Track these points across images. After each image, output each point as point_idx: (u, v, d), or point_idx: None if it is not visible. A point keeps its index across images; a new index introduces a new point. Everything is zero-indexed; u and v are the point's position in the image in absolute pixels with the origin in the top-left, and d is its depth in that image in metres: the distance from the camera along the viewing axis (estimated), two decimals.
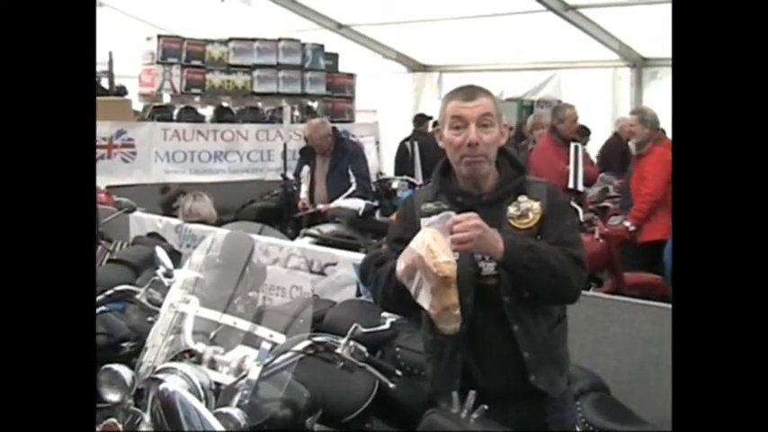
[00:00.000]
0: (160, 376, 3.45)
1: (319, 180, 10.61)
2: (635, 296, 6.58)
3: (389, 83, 17.15)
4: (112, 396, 3.55)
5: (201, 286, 4.03)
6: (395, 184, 12.58)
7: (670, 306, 5.64)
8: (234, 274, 4.11)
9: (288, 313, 4.10)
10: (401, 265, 3.32)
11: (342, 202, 10.06)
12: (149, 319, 4.20)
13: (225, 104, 14.55)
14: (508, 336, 3.45)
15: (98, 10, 7.44)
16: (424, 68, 17.36)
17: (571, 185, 9.21)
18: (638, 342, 5.21)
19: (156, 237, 8.43)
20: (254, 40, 14.41)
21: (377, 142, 15.07)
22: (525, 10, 13.19)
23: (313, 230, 9.54)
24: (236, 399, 3.46)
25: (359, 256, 6.69)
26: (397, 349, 4.97)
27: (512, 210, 3.52)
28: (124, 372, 3.69)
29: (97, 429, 3.48)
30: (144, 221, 9.19)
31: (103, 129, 12.27)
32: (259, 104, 14.75)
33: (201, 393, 3.42)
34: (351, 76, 15.43)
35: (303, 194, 10.91)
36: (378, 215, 10.69)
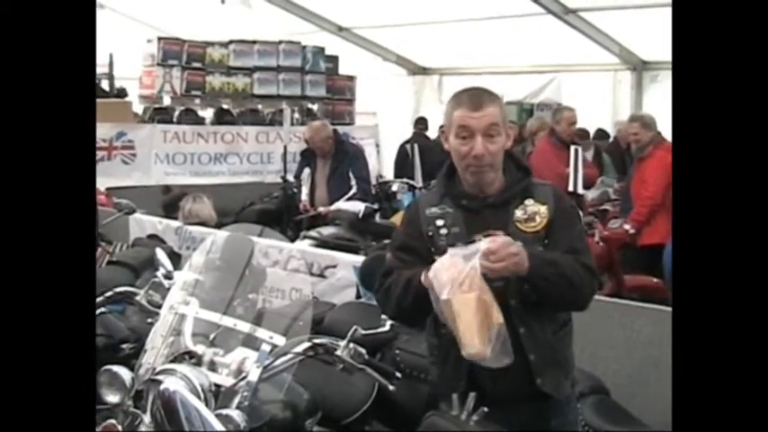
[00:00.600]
0: (160, 377, 3.46)
1: (320, 182, 10.61)
2: (634, 299, 6.59)
3: (390, 85, 17.16)
4: (112, 397, 3.56)
5: (201, 288, 4.03)
6: (395, 187, 12.56)
7: (670, 309, 5.66)
8: (234, 276, 4.11)
9: (288, 315, 4.11)
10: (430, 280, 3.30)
11: (342, 204, 10.07)
12: (149, 320, 4.21)
13: (225, 107, 14.53)
14: (514, 339, 3.40)
15: (98, 12, 7.45)
16: (424, 71, 17.37)
17: (571, 188, 9.21)
18: (637, 345, 5.21)
19: (155, 239, 8.43)
20: (254, 42, 14.40)
21: (377, 145, 15.07)
22: (526, 13, 13.22)
23: (313, 233, 9.55)
24: (236, 400, 3.46)
25: (359, 259, 6.70)
26: (397, 351, 4.97)
27: (518, 213, 3.52)
28: (124, 373, 3.69)
29: (97, 430, 3.48)
30: (144, 223, 9.19)
31: (103, 130, 12.26)
32: (259, 107, 14.74)
33: (201, 395, 3.42)
34: (351, 78, 15.42)
35: (304, 197, 10.91)
36: (378, 218, 10.69)
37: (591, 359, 5.03)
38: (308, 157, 11.00)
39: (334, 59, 15.23)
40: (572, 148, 9.52)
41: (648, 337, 5.16)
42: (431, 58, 16.97)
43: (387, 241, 10.02)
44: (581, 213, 8.01)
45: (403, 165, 14.92)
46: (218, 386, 3.53)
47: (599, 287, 3.98)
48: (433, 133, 16.05)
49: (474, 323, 3.21)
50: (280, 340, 3.63)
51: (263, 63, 14.37)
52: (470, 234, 3.48)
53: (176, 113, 14.06)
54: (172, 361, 3.63)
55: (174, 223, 8.66)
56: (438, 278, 3.26)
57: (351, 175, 10.39)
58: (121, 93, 14.54)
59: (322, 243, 8.90)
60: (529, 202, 3.54)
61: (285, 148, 12.87)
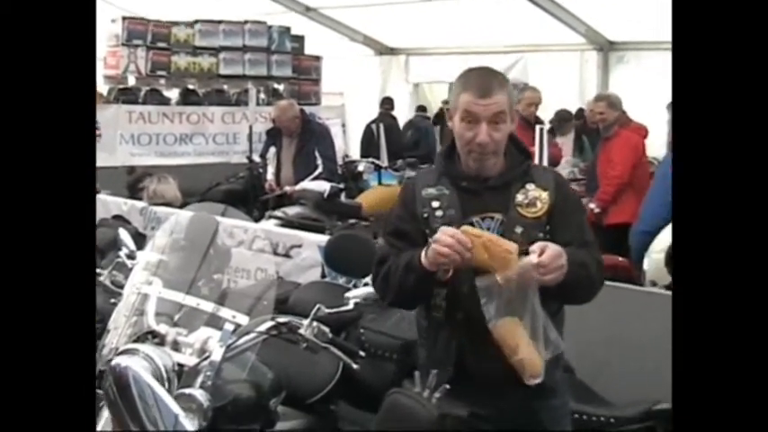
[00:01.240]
0: (122, 357, 3.43)
1: (286, 162, 10.60)
2: None
3: (356, 65, 17.14)
4: None
5: (165, 268, 4.01)
6: (361, 167, 12.57)
7: (637, 288, 5.70)
8: (197, 255, 4.09)
9: (251, 295, 4.10)
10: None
11: (307, 184, 10.08)
12: (112, 300, 4.19)
13: (191, 87, 14.49)
14: None
15: None
16: (391, 51, 17.35)
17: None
18: (603, 324, 5.22)
19: (120, 219, 8.37)
20: (220, 22, 14.34)
21: (343, 125, 15.09)
22: None
23: (278, 212, 9.54)
24: (199, 380, 3.44)
25: (324, 238, 6.67)
26: (362, 330, 4.96)
27: (520, 197, 3.46)
28: None
29: None
30: (108, 204, 9.13)
31: None
32: (225, 87, 14.69)
33: (164, 375, 3.40)
34: (317, 58, 15.39)
35: (270, 176, 10.90)
36: (343, 197, 10.70)
37: None
38: (273, 137, 11.00)
39: (300, 39, 15.19)
40: (537, 127, 9.53)
41: (614, 316, 5.17)
42: (398, 39, 16.95)
43: (352, 221, 10.13)
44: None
45: (369, 144, 14.93)
46: (181, 366, 3.51)
47: None
48: (399, 113, 16.07)
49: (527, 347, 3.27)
50: (243, 319, 3.61)
51: (228, 43, 14.32)
52: (467, 216, 3.43)
53: (141, 94, 13.97)
54: (135, 341, 3.60)
55: (139, 204, 8.62)
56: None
57: (317, 154, 10.40)
58: None
59: (287, 223, 8.90)
60: (530, 186, 3.48)
61: (251, 128, 12.88)
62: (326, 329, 3.71)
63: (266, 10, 15.58)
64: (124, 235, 4.57)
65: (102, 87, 14.06)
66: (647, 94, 12.10)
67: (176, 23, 14.14)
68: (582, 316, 5.13)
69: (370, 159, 13.06)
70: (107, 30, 13.99)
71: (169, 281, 3.87)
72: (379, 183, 11.84)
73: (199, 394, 3.36)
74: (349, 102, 16.29)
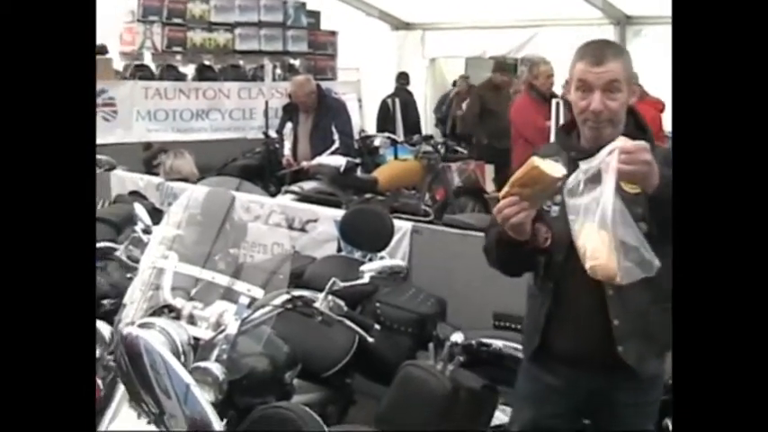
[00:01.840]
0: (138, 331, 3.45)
1: (302, 137, 10.59)
2: None
3: (372, 41, 17.08)
4: None
5: (181, 243, 4.03)
6: (377, 142, 12.55)
7: None
8: (213, 230, 4.11)
9: (267, 269, 4.11)
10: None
11: (323, 158, 10.07)
12: (129, 276, 4.21)
13: (206, 63, 14.47)
14: (600, 300, 3.33)
15: None
16: (407, 26, 17.27)
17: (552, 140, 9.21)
18: None
19: (137, 195, 8.40)
20: None
21: (359, 100, 15.03)
22: None
23: (294, 187, 9.55)
24: (215, 353, 3.47)
25: (339, 213, 6.69)
26: (377, 304, 4.99)
27: None
28: (103, 328, 3.71)
29: None
30: (125, 180, 9.16)
31: None
32: (241, 62, 14.68)
33: (180, 348, 3.42)
34: (333, 33, 15.37)
35: (286, 151, 10.89)
36: (359, 172, 10.70)
37: None
38: (290, 112, 10.99)
39: (315, 15, 15.17)
40: (553, 101, 9.51)
41: None
42: (414, 14, 16.87)
43: (368, 195, 10.13)
44: None
45: (385, 119, 14.93)
46: (197, 339, 3.54)
47: None
48: (414, 88, 16.02)
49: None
50: (258, 293, 3.63)
51: (244, 18, 14.30)
52: None
53: (157, 70, 13.98)
54: (151, 315, 3.63)
55: (156, 179, 8.64)
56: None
57: (333, 129, 10.39)
58: (102, 50, 14.42)
59: (303, 197, 8.91)
60: None
61: (267, 103, 12.87)
62: (342, 303, 3.73)
63: None
64: (140, 210, 4.59)
65: (117, 64, 14.07)
66: (665, 68, 12.03)
67: None
68: None
69: (386, 134, 13.04)
70: (123, 6, 13.98)
71: (185, 255, 3.89)
72: (395, 157, 11.82)
73: (215, 368, 3.39)
74: (365, 77, 16.24)
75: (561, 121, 9.29)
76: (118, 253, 4.54)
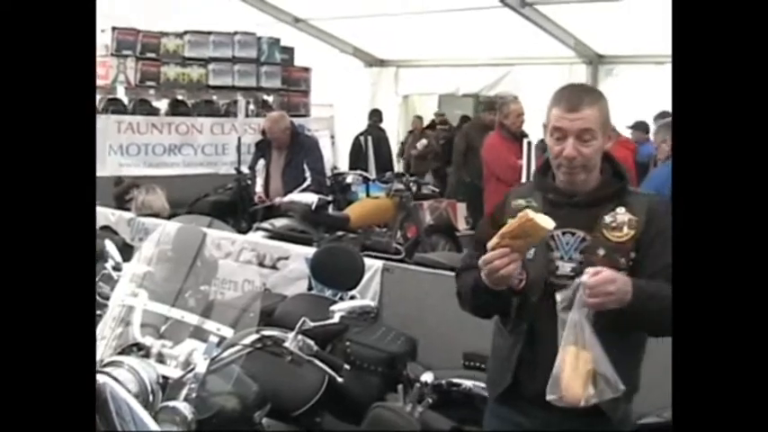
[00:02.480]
0: (107, 369, 3.43)
1: (275, 174, 10.63)
2: None
3: (346, 77, 17.14)
4: None
5: (152, 280, 4.01)
6: (349, 179, 12.55)
7: None
8: (184, 266, 4.10)
9: (237, 307, 4.09)
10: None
11: (295, 196, 10.09)
12: (98, 312, 4.18)
13: (180, 97, 14.43)
14: None
15: None
16: (381, 63, 17.37)
17: (524, 180, 9.26)
18: None
19: (108, 230, 8.36)
20: (209, 33, 14.30)
21: (332, 137, 15.08)
22: (482, 6, 13.22)
23: (266, 224, 9.57)
24: (184, 392, 3.45)
25: (311, 250, 6.69)
26: (348, 343, 4.98)
27: (607, 219, 3.36)
28: None
29: None
30: (96, 214, 9.12)
31: None
32: (214, 98, 14.66)
33: (149, 387, 3.40)
34: (306, 69, 15.38)
35: (258, 188, 10.91)
36: (331, 209, 10.71)
37: None
38: (262, 149, 11.03)
39: (289, 51, 15.18)
40: (524, 140, 9.56)
41: None
42: (388, 50, 16.96)
43: (339, 233, 10.14)
44: None
45: (357, 157, 14.97)
46: (165, 378, 3.52)
47: None
48: (387, 125, 16.09)
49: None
50: (228, 332, 3.62)
51: (218, 54, 14.29)
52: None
53: (130, 104, 13.94)
54: (120, 353, 3.61)
55: (127, 214, 8.61)
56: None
57: (305, 166, 10.42)
58: None
59: (275, 235, 8.91)
60: (621, 210, 3.37)
61: (239, 139, 12.91)
62: (311, 343, 3.72)
63: (256, 21, 15.59)
64: (110, 247, 4.57)
65: None
66: (636, 107, 12.14)
67: (166, 34, 14.10)
68: None
69: (359, 171, 13.06)
70: (97, 40, 13.94)
71: (155, 292, 3.88)
72: (367, 195, 11.83)
73: (183, 407, 3.37)
74: (338, 113, 16.29)
75: (533, 160, 9.40)
76: None
